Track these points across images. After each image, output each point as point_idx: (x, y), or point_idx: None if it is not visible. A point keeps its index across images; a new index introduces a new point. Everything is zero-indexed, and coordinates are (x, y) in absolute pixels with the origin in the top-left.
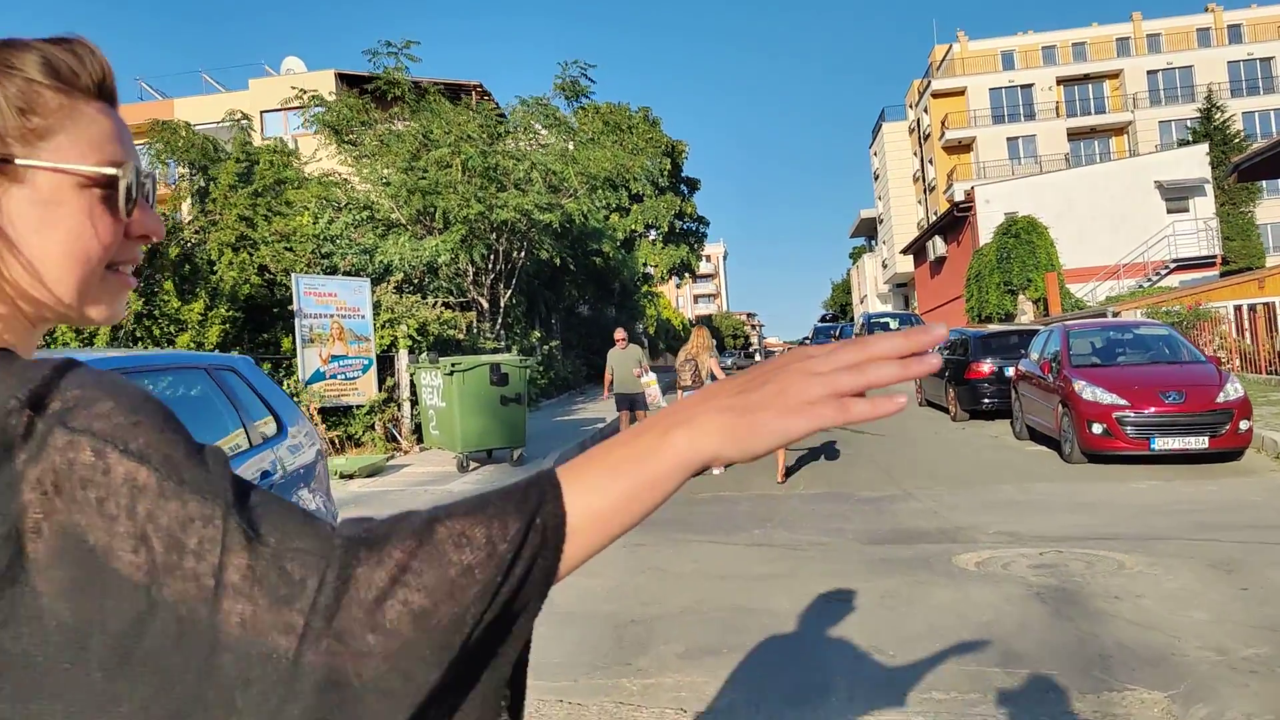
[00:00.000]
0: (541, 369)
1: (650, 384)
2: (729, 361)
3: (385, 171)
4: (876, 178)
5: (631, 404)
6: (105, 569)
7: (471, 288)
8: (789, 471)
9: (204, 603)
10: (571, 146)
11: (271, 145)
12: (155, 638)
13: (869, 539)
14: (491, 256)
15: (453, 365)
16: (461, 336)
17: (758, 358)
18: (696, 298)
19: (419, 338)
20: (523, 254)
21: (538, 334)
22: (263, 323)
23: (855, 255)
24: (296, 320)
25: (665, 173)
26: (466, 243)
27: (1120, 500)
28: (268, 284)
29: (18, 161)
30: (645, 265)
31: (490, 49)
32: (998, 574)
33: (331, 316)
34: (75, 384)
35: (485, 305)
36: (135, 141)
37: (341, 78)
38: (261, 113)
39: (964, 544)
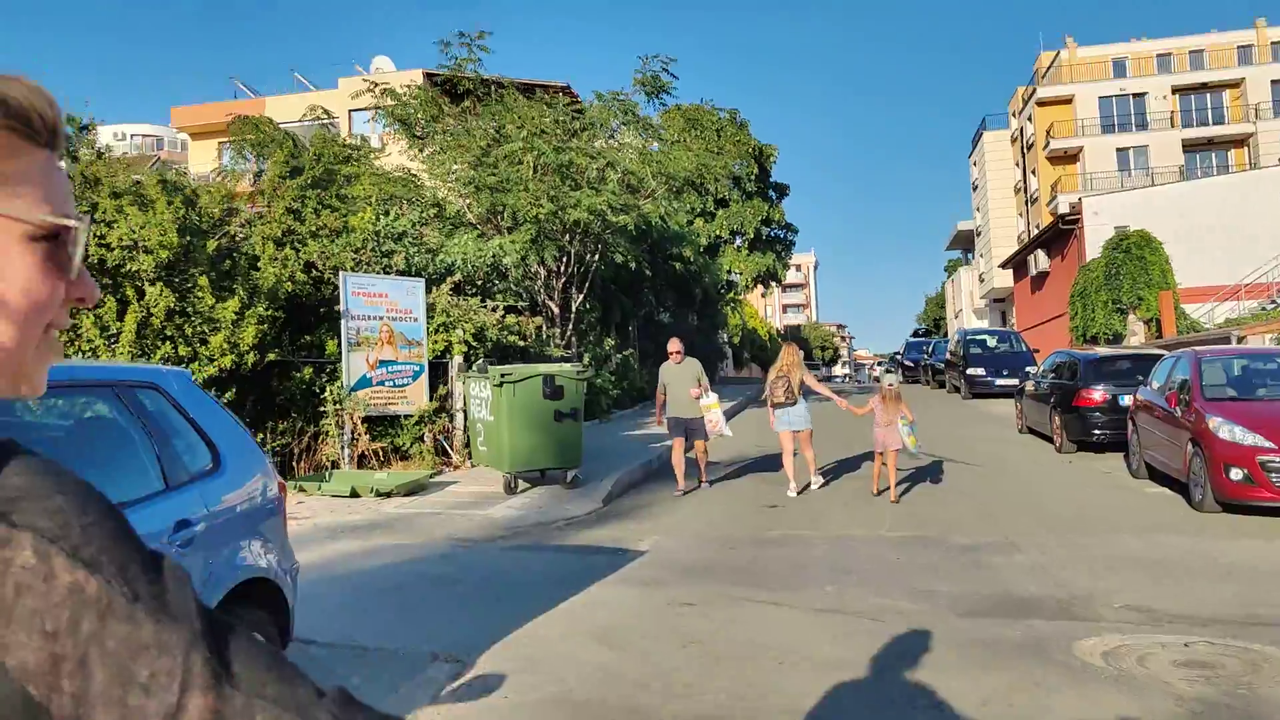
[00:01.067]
0: (614, 379)
1: (711, 407)
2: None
3: (454, 167)
4: (975, 188)
5: (687, 430)
6: (26, 703)
7: (541, 292)
8: (899, 493)
9: None
10: (655, 147)
11: (329, 136)
12: None
13: (966, 608)
14: (563, 259)
15: (502, 375)
16: (524, 343)
17: (842, 371)
18: (785, 307)
19: (475, 344)
20: (596, 257)
21: (611, 342)
22: (307, 323)
23: (950, 268)
24: (342, 321)
25: (752, 177)
26: (537, 243)
27: (1274, 565)
28: (314, 282)
29: None
30: (729, 272)
31: (581, 53)
32: (1133, 674)
33: (381, 319)
34: (21, 473)
35: (556, 311)
36: (219, 139)
37: (429, 78)
38: (349, 111)
39: (1085, 621)
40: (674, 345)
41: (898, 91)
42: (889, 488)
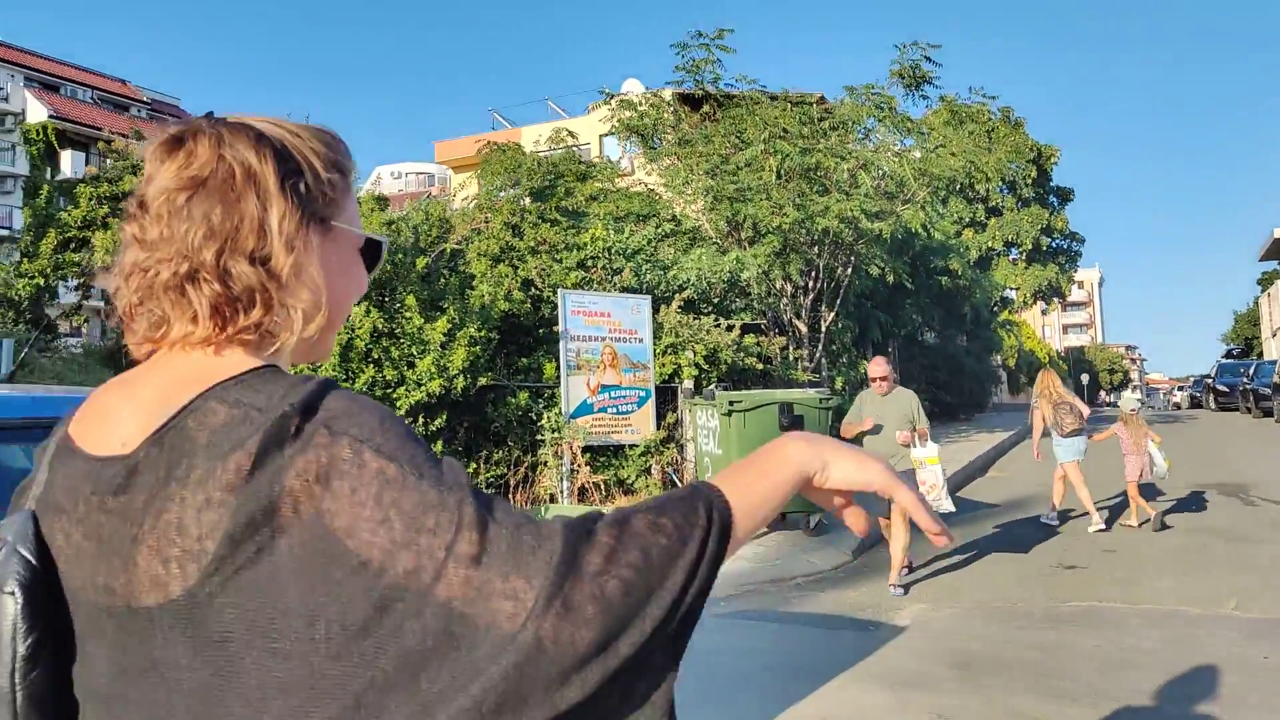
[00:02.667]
0: None
1: (929, 462)
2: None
3: (690, 177)
4: None
5: None
6: (344, 552)
7: (787, 309)
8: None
9: (432, 574)
10: (908, 142)
11: (572, 156)
12: (386, 615)
13: None
14: (811, 273)
15: (730, 403)
16: (764, 366)
17: (1133, 397)
18: (1066, 328)
19: (707, 367)
20: (849, 270)
21: (866, 364)
22: (524, 345)
23: (1265, 281)
24: (561, 343)
25: (1029, 181)
26: (781, 256)
27: None
28: (532, 301)
29: (334, 224)
30: (1003, 288)
31: (840, 63)
32: None
33: (603, 339)
34: (338, 399)
35: (803, 330)
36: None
37: (681, 97)
38: (600, 136)
39: None
40: (877, 368)
41: (1198, 84)
42: (1149, 519)
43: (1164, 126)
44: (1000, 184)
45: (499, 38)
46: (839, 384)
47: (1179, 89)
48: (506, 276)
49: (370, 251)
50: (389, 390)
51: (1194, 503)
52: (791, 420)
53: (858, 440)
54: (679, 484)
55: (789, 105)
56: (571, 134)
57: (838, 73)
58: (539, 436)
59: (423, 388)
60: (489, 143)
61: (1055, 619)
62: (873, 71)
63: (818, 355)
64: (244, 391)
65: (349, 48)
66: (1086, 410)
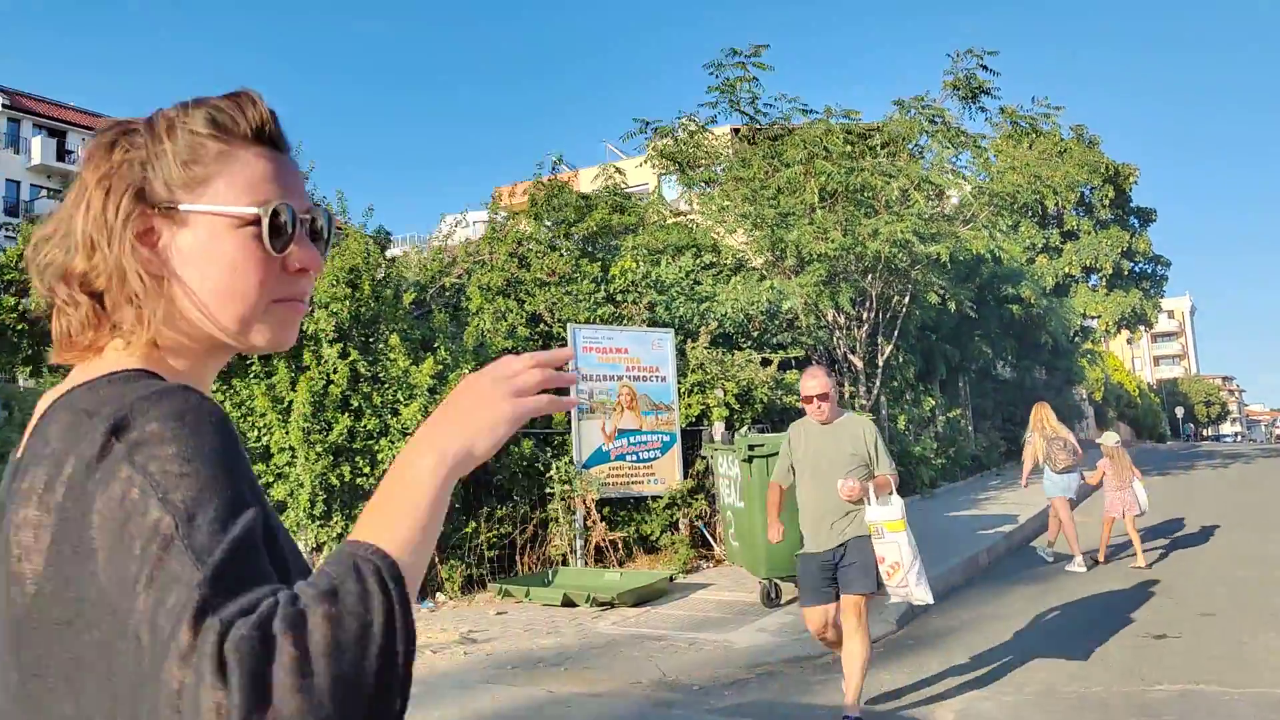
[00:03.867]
0: (938, 445)
1: (888, 527)
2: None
3: (727, 203)
4: None
5: (833, 569)
6: (98, 587)
7: (841, 343)
8: None
9: (156, 660)
10: (967, 158)
11: (615, 189)
12: (117, 657)
13: None
14: (865, 303)
15: (751, 448)
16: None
17: (1232, 430)
18: (1157, 360)
19: (738, 407)
20: (906, 299)
21: (932, 400)
22: None
23: None
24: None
25: (1107, 202)
26: (830, 285)
27: None
28: (541, 337)
29: (181, 207)
30: (1083, 316)
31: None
32: None
33: (620, 379)
34: (154, 418)
35: (859, 365)
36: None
37: (736, 133)
38: (659, 175)
39: None
40: (812, 382)
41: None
42: (1135, 553)
43: (1251, 134)
44: (1070, 202)
45: (561, 86)
46: (901, 423)
47: (1262, 90)
48: (510, 311)
49: (275, 223)
50: (370, 441)
51: None
52: None
53: (791, 501)
54: (711, 540)
55: (830, 121)
56: (619, 170)
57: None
58: (548, 489)
59: (409, 437)
60: (537, 182)
61: (1142, 709)
62: (924, 88)
63: (875, 391)
64: (88, 396)
65: (418, 94)
66: (1079, 449)
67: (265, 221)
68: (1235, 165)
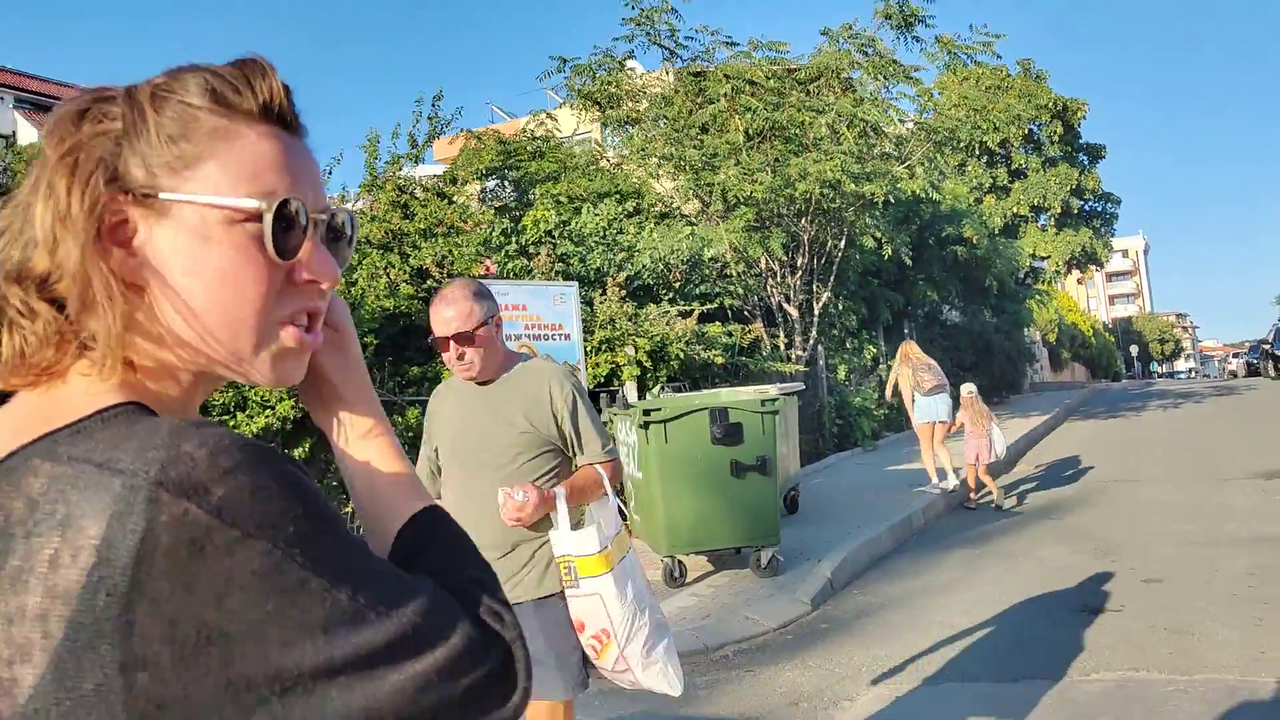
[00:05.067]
0: (879, 395)
1: (583, 570)
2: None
3: (648, 145)
4: None
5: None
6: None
7: (775, 291)
8: None
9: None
10: (899, 91)
11: (522, 133)
12: None
13: None
14: (800, 249)
15: (647, 413)
16: (739, 360)
17: (1186, 366)
18: (1113, 299)
19: (651, 365)
20: (842, 243)
21: (875, 349)
22: (419, 350)
23: None
24: None
25: (1055, 139)
26: (760, 230)
27: None
28: (428, 294)
29: (162, 196)
30: (1032, 257)
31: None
32: None
33: (518, 338)
34: (230, 468)
35: (795, 314)
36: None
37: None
38: (600, 124)
39: None
40: (448, 312)
41: (1238, 24)
42: (990, 496)
43: (1198, 71)
44: (1016, 137)
45: (491, 31)
46: (842, 373)
47: (1207, 30)
48: (391, 266)
49: (282, 222)
50: (226, 416)
51: (1261, 499)
52: (726, 430)
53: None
54: (627, 511)
55: (755, 55)
56: (550, 116)
57: (815, 28)
58: None
59: (270, 411)
60: (467, 135)
61: (1072, 704)
62: (854, 16)
63: (812, 341)
64: (78, 442)
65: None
66: (944, 376)
67: (269, 217)
68: (1188, 107)
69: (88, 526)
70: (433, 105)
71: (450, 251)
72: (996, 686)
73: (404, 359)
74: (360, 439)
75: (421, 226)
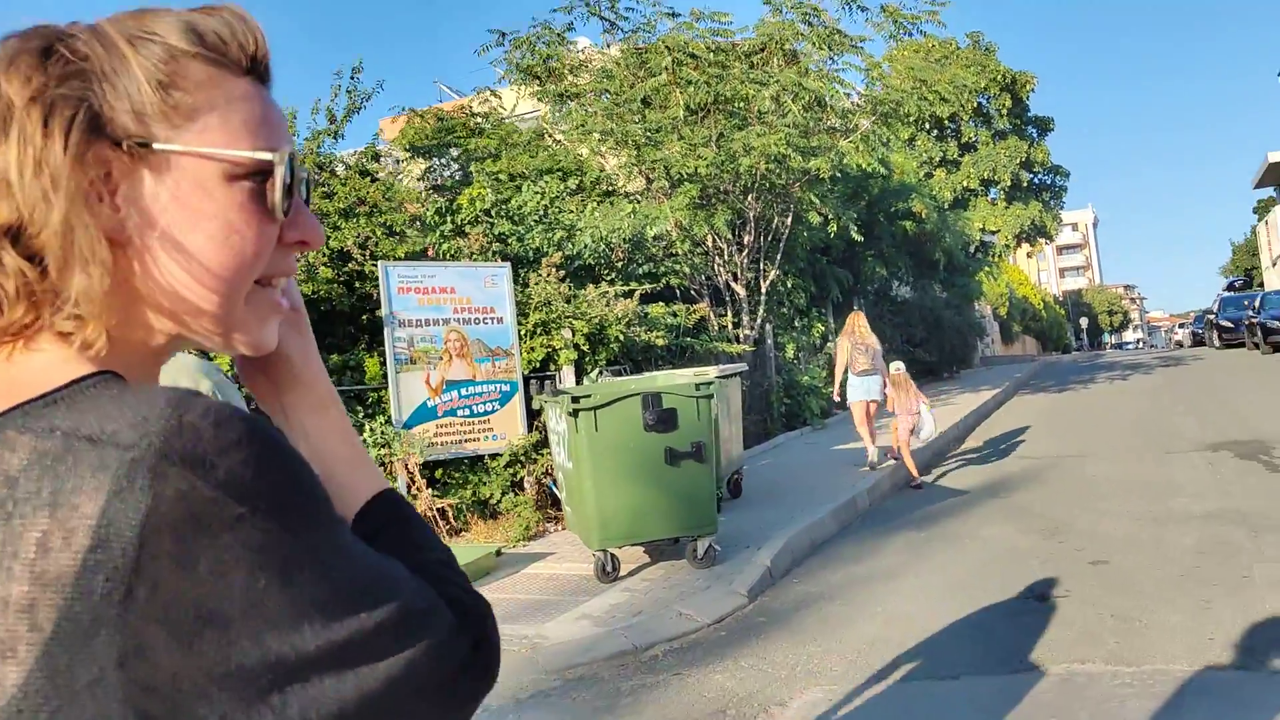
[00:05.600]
0: (827, 373)
1: None
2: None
3: (588, 119)
4: None
5: None
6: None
7: (722, 270)
8: None
9: None
10: (844, 61)
11: (458, 109)
12: None
13: None
14: (746, 226)
15: (575, 400)
16: (683, 341)
17: (1134, 337)
18: (1063, 272)
19: (589, 348)
20: (789, 219)
21: (823, 327)
22: (343, 337)
23: (1261, 209)
24: (387, 331)
25: (1004, 111)
26: (706, 208)
27: None
28: (347, 280)
29: (156, 146)
30: (982, 230)
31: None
32: None
33: (446, 322)
34: (236, 439)
35: (742, 293)
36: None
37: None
38: (540, 100)
39: None
40: None
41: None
42: (917, 481)
43: (1149, 49)
44: (965, 108)
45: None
46: (790, 351)
47: (1156, 6)
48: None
49: (268, 180)
50: None
51: (1209, 473)
52: (660, 417)
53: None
54: (560, 499)
55: (697, 25)
56: (495, 93)
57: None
58: None
59: None
60: (409, 113)
61: (1013, 699)
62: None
63: (760, 320)
64: (59, 414)
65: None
66: (881, 357)
67: (281, 170)
68: (1136, 80)
69: (82, 505)
70: (351, 78)
71: (373, 232)
72: (935, 684)
73: (324, 346)
74: (318, 422)
75: (342, 206)
